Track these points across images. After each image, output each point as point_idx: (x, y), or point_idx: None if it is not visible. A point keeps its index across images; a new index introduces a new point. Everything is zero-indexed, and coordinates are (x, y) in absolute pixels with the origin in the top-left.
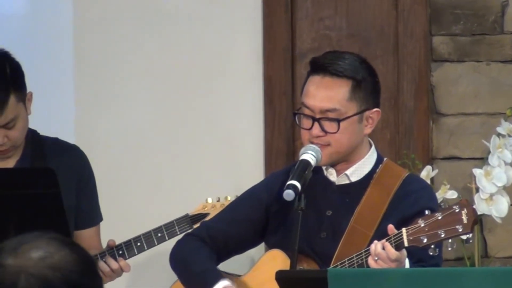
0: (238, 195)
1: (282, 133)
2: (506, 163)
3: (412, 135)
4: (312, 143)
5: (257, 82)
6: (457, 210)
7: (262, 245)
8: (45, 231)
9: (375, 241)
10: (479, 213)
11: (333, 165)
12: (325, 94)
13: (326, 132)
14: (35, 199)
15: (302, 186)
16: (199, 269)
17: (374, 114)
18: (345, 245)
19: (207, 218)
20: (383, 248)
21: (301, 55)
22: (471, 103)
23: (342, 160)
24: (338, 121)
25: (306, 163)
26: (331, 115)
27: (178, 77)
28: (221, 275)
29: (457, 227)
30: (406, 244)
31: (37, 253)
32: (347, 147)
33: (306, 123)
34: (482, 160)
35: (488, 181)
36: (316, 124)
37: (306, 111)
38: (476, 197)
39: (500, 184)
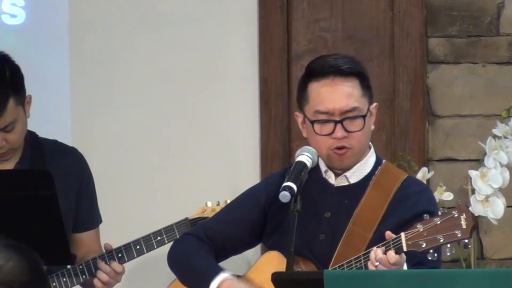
0: (235, 197)
1: (278, 135)
2: (502, 165)
3: (408, 136)
4: (335, 149)
5: (253, 83)
6: (456, 215)
7: (258, 247)
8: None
9: (374, 248)
10: (475, 214)
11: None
12: (343, 94)
13: (349, 132)
14: (32, 201)
15: (298, 187)
16: (198, 264)
17: (374, 108)
18: (343, 247)
19: None
20: (384, 253)
21: (297, 57)
22: (467, 104)
23: None
24: (364, 117)
25: (302, 165)
26: (351, 114)
27: (174, 79)
28: (221, 268)
29: (456, 232)
30: (405, 248)
31: None
32: (365, 145)
33: (327, 128)
34: (478, 161)
35: (484, 182)
36: (338, 125)
37: (323, 117)
38: (472, 199)
39: (496, 186)
